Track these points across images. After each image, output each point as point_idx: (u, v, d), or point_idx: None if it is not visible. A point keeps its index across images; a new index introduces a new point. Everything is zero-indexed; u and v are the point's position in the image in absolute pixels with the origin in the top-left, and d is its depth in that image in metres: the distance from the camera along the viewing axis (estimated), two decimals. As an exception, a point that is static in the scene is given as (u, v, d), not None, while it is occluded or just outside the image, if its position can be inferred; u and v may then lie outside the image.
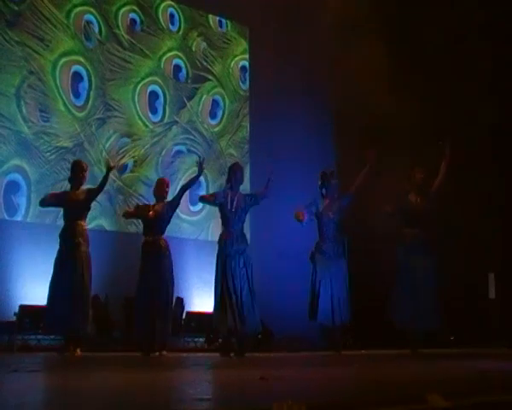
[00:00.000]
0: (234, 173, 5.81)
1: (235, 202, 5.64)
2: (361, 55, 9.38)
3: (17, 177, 7.58)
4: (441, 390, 1.78)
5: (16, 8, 7.83)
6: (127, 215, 6.31)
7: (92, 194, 5.76)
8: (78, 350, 5.39)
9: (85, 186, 5.84)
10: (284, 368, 4.07)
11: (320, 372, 3.72)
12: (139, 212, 6.00)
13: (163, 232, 5.89)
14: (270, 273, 8.15)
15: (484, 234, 8.53)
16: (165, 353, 5.53)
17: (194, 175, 5.99)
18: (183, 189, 6.03)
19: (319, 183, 5.82)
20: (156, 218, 5.82)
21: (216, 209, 5.96)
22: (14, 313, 6.34)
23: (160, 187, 6.02)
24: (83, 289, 5.45)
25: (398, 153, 8.87)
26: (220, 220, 5.74)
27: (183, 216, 8.85)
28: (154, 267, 5.65)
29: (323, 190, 5.80)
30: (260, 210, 9.14)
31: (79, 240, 5.52)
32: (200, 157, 5.95)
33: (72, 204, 5.64)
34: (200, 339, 7.54)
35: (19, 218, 7.44)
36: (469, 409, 1.73)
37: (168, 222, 5.98)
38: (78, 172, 5.78)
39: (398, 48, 8.92)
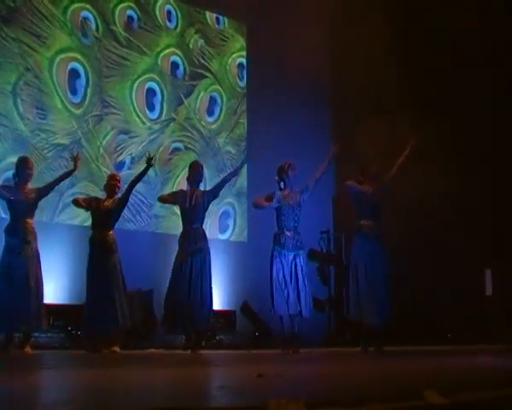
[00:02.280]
0: (193, 171, 5.86)
1: (193, 200, 5.66)
2: (361, 52, 9.39)
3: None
4: (438, 387, 1.79)
5: (12, 4, 7.79)
6: (76, 204, 6.19)
7: (42, 193, 5.72)
8: (28, 347, 5.36)
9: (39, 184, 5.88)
10: (282, 365, 4.07)
11: (317, 369, 3.73)
12: (88, 203, 5.96)
13: (111, 228, 5.84)
14: (268, 270, 8.14)
15: (480, 230, 8.55)
16: (117, 349, 5.52)
17: (142, 169, 5.96)
18: (132, 184, 5.97)
19: (276, 178, 5.81)
20: (105, 213, 5.78)
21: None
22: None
23: (111, 182, 5.97)
24: (36, 285, 5.40)
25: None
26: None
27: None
28: (102, 264, 5.62)
29: (281, 184, 5.79)
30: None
31: (29, 238, 5.48)
32: (149, 154, 5.88)
33: (20, 202, 5.57)
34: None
35: (16, 215, 7.42)
36: (466, 405, 1.74)
37: (117, 218, 5.94)
38: (24, 169, 5.70)
39: (399, 40, 8.90)
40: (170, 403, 1.66)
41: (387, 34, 8.82)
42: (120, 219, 8.18)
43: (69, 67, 8.16)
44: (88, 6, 8.43)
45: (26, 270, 5.38)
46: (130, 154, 8.55)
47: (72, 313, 6.61)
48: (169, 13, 9.25)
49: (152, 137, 8.78)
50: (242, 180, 9.58)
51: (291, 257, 5.60)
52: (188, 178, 5.98)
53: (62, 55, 8.13)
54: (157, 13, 9.12)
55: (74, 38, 8.27)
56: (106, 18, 8.58)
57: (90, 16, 8.45)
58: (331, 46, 10.13)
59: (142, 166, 8.58)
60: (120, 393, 2.12)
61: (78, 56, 8.26)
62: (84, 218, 7.95)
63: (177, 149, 9.01)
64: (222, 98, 9.62)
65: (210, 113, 9.47)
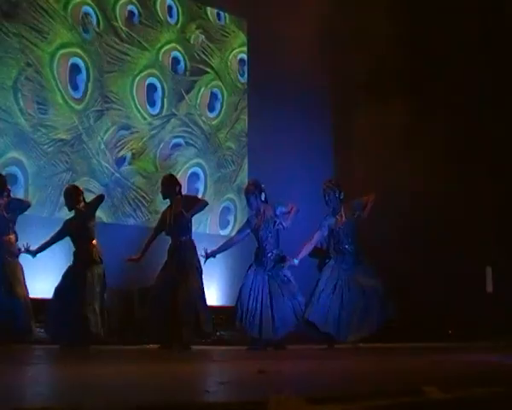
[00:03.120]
0: (167, 190, 5.75)
1: (172, 218, 5.61)
2: (363, 44, 9.39)
3: (15, 170, 7.56)
4: (438, 383, 1.79)
5: (13, -1, 7.78)
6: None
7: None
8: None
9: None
10: (283, 361, 4.08)
11: (318, 365, 3.73)
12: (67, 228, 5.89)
13: (87, 240, 5.75)
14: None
15: (481, 227, 8.54)
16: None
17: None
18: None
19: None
20: (76, 227, 5.77)
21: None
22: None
23: (75, 197, 5.85)
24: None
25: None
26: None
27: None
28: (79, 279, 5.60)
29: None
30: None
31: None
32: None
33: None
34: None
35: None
36: (466, 401, 1.74)
37: (89, 229, 5.81)
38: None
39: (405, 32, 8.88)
40: (170, 398, 1.67)
41: (389, 26, 8.83)
42: (120, 214, 8.22)
43: (70, 63, 8.16)
44: (89, 1, 8.42)
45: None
46: (131, 149, 8.55)
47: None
48: (170, 8, 9.24)
49: (152, 132, 8.78)
50: (243, 176, 9.58)
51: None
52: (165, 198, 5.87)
53: (63, 51, 8.12)
54: (158, 8, 9.10)
55: (75, 34, 8.26)
56: (107, 13, 8.57)
57: (91, 11, 8.44)
58: (331, 41, 10.11)
59: (143, 162, 8.69)
60: (121, 388, 2.13)
61: (79, 51, 8.26)
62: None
63: (177, 145, 9.01)
64: (223, 94, 9.62)
65: (211, 108, 9.47)
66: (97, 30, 8.46)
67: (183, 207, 5.52)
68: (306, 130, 9.71)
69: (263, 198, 5.72)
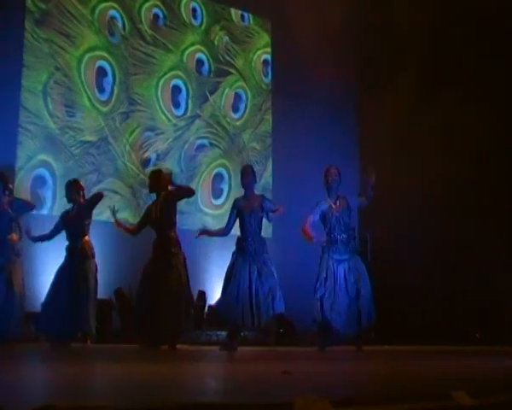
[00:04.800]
0: (154, 184, 5.74)
1: (157, 212, 5.64)
2: (389, 40, 9.32)
3: (43, 171, 7.71)
4: (466, 388, 1.78)
5: (44, 6, 7.97)
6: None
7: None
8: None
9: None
10: (307, 362, 4.08)
11: (343, 367, 3.72)
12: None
13: (80, 235, 5.79)
14: (293, 266, 8.15)
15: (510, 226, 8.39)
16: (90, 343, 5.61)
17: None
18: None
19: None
20: (71, 220, 5.81)
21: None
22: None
23: (75, 190, 5.89)
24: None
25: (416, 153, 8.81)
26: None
27: (206, 209, 8.91)
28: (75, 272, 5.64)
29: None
30: (282, 202, 9.15)
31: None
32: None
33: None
34: (223, 333, 7.58)
35: (45, 211, 7.57)
36: (494, 407, 1.72)
37: (84, 225, 5.83)
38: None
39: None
40: (196, 398, 1.69)
41: (414, 16, 8.74)
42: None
43: (97, 66, 8.28)
44: (115, 5, 8.54)
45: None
46: (156, 151, 8.63)
47: (99, 308, 6.70)
48: (194, 10, 9.31)
49: (177, 133, 8.85)
50: (268, 176, 9.59)
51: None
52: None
53: (90, 54, 8.25)
54: (182, 10, 9.18)
55: (102, 37, 8.38)
56: (132, 16, 8.67)
57: (117, 15, 8.56)
58: (356, 39, 10.06)
59: (167, 163, 8.76)
60: (156, 387, 2.15)
61: (106, 55, 8.38)
62: (109, 214, 8.04)
63: (202, 146, 9.06)
64: (247, 95, 9.64)
65: (235, 109, 9.50)
66: (123, 33, 8.57)
67: (171, 197, 5.58)
68: (331, 130, 9.68)
69: (255, 187, 5.76)
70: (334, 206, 5.64)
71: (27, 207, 6.02)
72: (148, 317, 5.29)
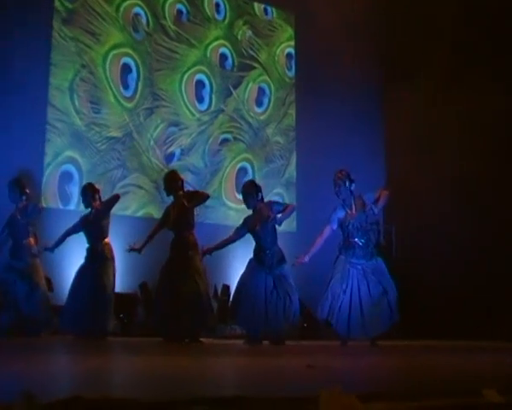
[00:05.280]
0: (170, 186, 5.77)
1: (175, 214, 5.64)
2: (416, 32, 9.20)
3: (70, 167, 7.83)
4: (496, 384, 1.75)
5: (71, 6, 8.08)
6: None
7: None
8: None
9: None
10: (331, 357, 4.07)
11: (367, 361, 3.70)
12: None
13: (100, 237, 5.88)
14: (316, 260, 8.12)
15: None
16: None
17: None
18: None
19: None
20: (91, 223, 5.89)
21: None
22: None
23: (90, 194, 5.98)
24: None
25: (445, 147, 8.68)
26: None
27: (230, 204, 8.93)
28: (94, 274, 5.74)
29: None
30: (306, 196, 9.13)
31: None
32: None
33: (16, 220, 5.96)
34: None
35: (72, 207, 7.68)
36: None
37: (103, 227, 5.91)
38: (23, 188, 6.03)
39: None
40: (221, 392, 1.70)
41: (438, 8, 8.61)
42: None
43: (121, 62, 8.36)
44: (139, 2, 8.62)
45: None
46: (180, 145, 8.68)
47: (125, 302, 6.79)
48: (217, 5, 9.32)
49: (201, 128, 8.89)
50: (291, 170, 9.58)
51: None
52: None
53: (115, 51, 8.33)
54: (206, 5, 9.20)
55: (126, 34, 8.46)
56: (156, 13, 8.73)
57: (142, 12, 8.63)
58: (380, 31, 9.96)
59: (191, 158, 8.80)
60: (181, 381, 2.17)
61: (130, 51, 8.45)
62: (135, 209, 8.15)
63: (226, 140, 9.08)
64: (270, 89, 9.63)
65: (259, 103, 9.50)
66: (147, 30, 8.63)
67: (186, 200, 5.57)
68: (355, 123, 9.61)
69: (259, 197, 5.71)
70: (350, 212, 5.58)
71: (37, 209, 6.14)
72: (167, 316, 5.34)
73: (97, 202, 5.95)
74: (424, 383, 2.19)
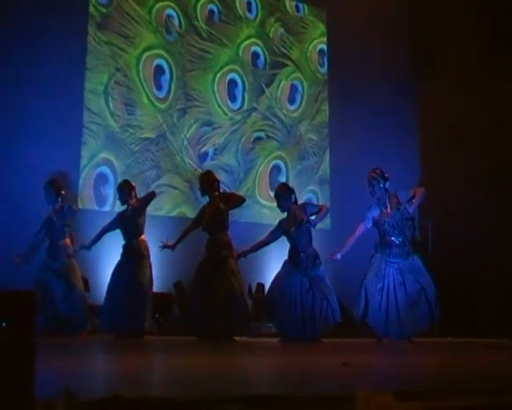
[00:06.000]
0: (206, 187, 5.76)
1: (210, 214, 5.62)
2: (450, 27, 9.03)
3: (105, 169, 7.96)
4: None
5: (105, 10, 8.22)
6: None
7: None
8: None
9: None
10: (367, 354, 4.03)
11: (404, 359, 3.66)
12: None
13: (136, 234, 5.91)
14: (351, 257, 8.06)
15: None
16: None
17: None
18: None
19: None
20: (127, 220, 5.92)
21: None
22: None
23: (126, 191, 6.00)
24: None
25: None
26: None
27: (264, 202, 8.94)
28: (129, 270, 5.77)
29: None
30: (339, 194, 9.07)
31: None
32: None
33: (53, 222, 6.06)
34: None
35: (107, 208, 7.80)
36: None
37: (139, 224, 5.93)
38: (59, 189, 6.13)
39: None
40: (257, 390, 1.70)
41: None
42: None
43: (154, 64, 8.46)
44: (171, 4, 8.70)
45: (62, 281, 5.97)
46: (213, 145, 8.73)
47: (159, 301, 6.86)
48: (249, 4, 9.33)
49: (234, 127, 8.92)
50: (325, 167, 9.53)
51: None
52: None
53: (148, 53, 8.43)
54: (237, 5, 9.23)
55: (159, 36, 8.56)
56: (188, 14, 8.80)
57: (174, 14, 8.71)
58: (414, 24, 9.82)
59: (225, 157, 8.84)
60: (217, 379, 2.19)
61: (163, 53, 8.54)
62: (168, 209, 8.23)
63: (259, 139, 9.09)
64: (303, 86, 9.59)
65: (291, 101, 9.48)
66: (179, 31, 8.71)
67: (222, 202, 5.56)
68: (389, 119, 9.50)
69: (293, 200, 5.68)
70: (385, 211, 5.53)
71: (74, 211, 6.26)
72: (202, 315, 5.37)
73: (133, 200, 6.01)
74: (462, 381, 2.15)
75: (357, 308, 5.46)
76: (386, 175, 5.55)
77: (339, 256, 5.53)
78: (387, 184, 5.54)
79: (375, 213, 5.55)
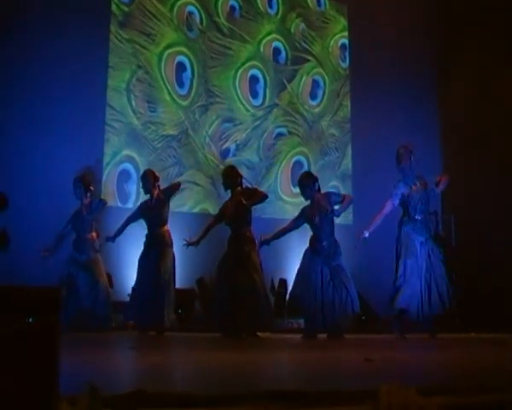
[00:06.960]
0: (229, 182, 5.77)
1: (232, 209, 5.60)
2: (474, 21, 8.91)
3: (128, 166, 8.03)
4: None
5: (127, 8, 8.28)
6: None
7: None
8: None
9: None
10: (388, 350, 4.01)
11: (426, 355, 3.64)
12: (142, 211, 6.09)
13: (160, 224, 5.90)
14: (373, 252, 8.02)
15: None
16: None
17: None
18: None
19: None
20: (151, 210, 5.90)
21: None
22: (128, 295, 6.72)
23: (149, 180, 5.98)
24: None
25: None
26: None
27: (286, 198, 8.94)
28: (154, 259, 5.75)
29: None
30: (362, 189, 9.02)
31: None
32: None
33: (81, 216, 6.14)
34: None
35: (130, 205, 7.86)
36: None
37: (163, 214, 5.93)
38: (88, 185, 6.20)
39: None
40: (280, 386, 1.71)
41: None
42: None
43: (176, 61, 8.50)
44: (192, 1, 8.74)
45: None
46: (235, 141, 8.74)
47: (182, 297, 6.89)
48: (270, -1, 9.32)
49: (256, 123, 8.92)
50: (347, 162, 9.48)
51: None
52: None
53: (170, 50, 8.48)
54: (258, 0, 9.22)
55: (180, 33, 8.60)
56: (209, 10, 8.82)
57: (195, 10, 8.74)
58: (435, 19, 9.69)
59: (247, 153, 8.85)
60: (240, 375, 2.20)
61: (184, 50, 8.58)
62: (191, 205, 8.28)
63: (280, 135, 9.08)
64: (325, 81, 9.55)
65: (313, 96, 9.44)
66: (201, 27, 8.74)
67: (244, 198, 5.56)
68: (411, 114, 9.40)
69: (316, 187, 5.65)
70: (414, 187, 5.53)
71: (103, 204, 6.32)
72: (225, 311, 5.39)
73: (157, 190, 6.04)
74: (485, 377, 2.13)
75: (401, 298, 5.40)
76: (414, 151, 5.61)
77: (366, 234, 5.52)
78: (412, 159, 5.56)
79: (403, 189, 5.56)
